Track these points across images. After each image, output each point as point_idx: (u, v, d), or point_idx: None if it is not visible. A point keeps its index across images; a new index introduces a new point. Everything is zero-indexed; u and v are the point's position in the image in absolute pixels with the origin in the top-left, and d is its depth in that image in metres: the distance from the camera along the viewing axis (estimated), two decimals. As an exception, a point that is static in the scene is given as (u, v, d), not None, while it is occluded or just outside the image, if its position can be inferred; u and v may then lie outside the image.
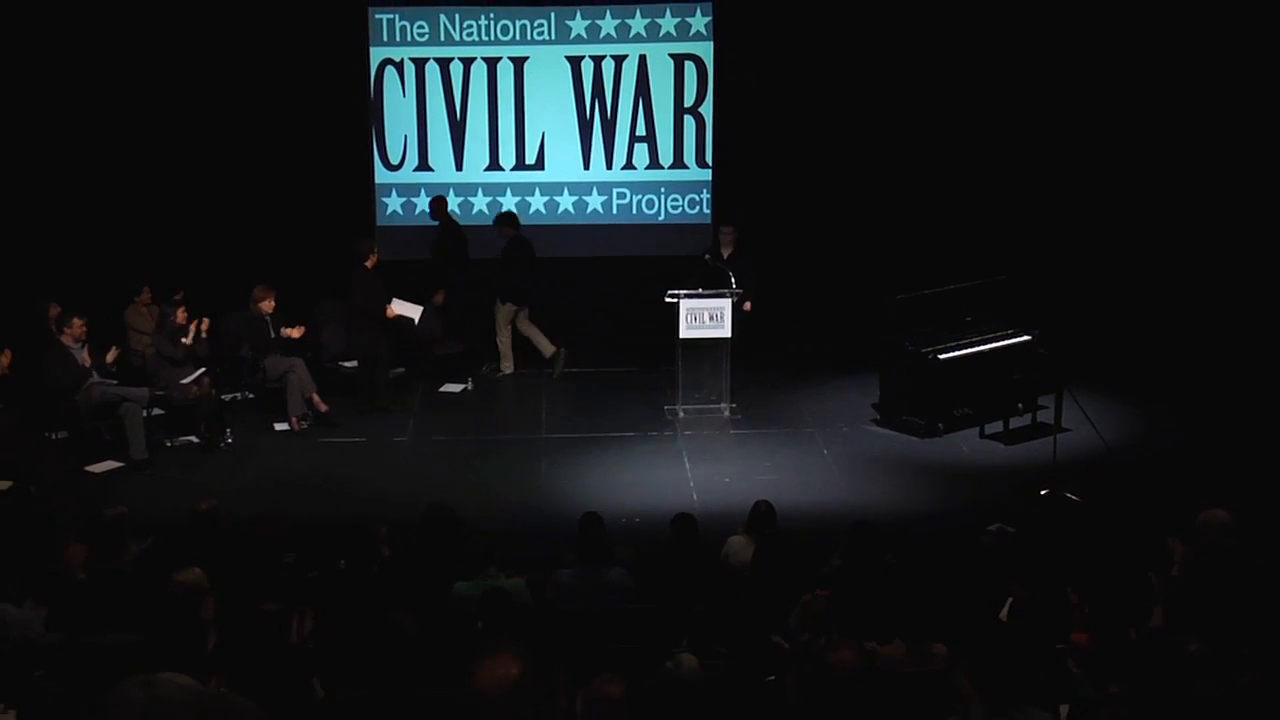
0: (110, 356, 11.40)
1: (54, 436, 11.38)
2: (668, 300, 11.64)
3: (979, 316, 11.75)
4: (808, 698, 4.91)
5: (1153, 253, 13.02)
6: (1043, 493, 9.88)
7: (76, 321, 11.10)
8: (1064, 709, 5.34)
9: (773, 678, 5.90)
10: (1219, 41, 12.76)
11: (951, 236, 13.40)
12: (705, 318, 11.64)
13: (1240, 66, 12.77)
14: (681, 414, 11.94)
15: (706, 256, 12.50)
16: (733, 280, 11.92)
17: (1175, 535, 6.96)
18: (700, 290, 11.79)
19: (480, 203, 14.21)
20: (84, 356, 11.18)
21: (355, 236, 12.67)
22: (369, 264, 12.23)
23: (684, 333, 11.68)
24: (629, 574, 7.47)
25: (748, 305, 12.30)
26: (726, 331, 11.69)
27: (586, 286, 14.10)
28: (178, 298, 11.83)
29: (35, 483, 10.51)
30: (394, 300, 12.44)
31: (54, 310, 11.47)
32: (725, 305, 11.64)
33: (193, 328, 11.62)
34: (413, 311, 12.69)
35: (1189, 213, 12.68)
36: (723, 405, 11.96)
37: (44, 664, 6.04)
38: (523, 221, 13.80)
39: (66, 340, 11.10)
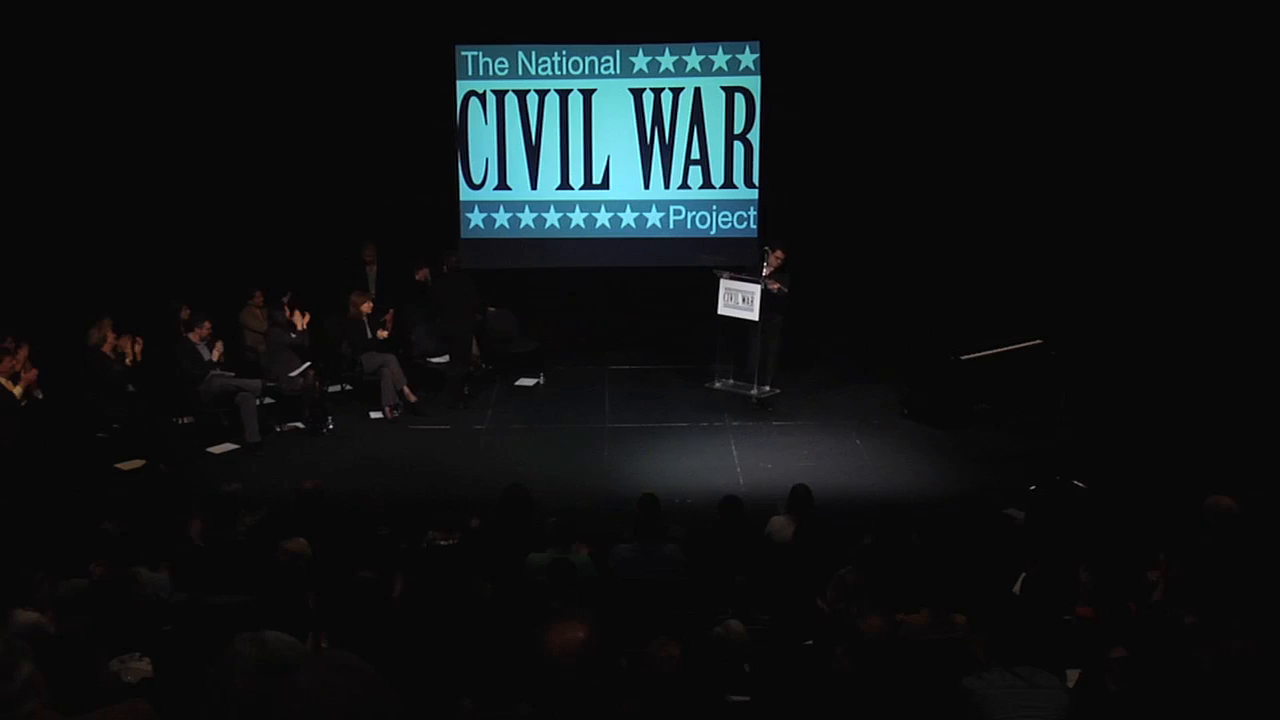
0: (216, 353, 11.57)
1: (180, 421, 11.57)
2: (714, 270, 11.72)
3: (997, 322, 11.64)
4: (856, 664, 4.88)
5: (1155, 258, 12.79)
6: (1058, 479, 9.77)
7: (206, 323, 11.32)
8: (1071, 673, 5.29)
9: (810, 642, 5.88)
10: (1220, 53, 12.54)
11: (971, 247, 13.28)
12: (739, 299, 11.61)
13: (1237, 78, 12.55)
14: (718, 385, 11.96)
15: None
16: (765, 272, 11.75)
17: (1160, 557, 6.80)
18: (740, 273, 11.79)
19: (552, 218, 14.24)
20: (208, 352, 11.36)
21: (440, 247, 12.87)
22: (457, 265, 12.41)
23: (720, 309, 11.72)
24: (682, 549, 7.46)
25: (775, 285, 11.74)
26: (754, 315, 11.57)
27: (645, 293, 14.13)
28: (286, 300, 12.12)
29: (164, 461, 10.68)
30: None
31: (185, 312, 11.64)
32: (755, 290, 11.54)
33: (298, 319, 11.82)
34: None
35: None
36: (752, 388, 11.86)
37: (172, 620, 6.12)
38: (589, 235, 13.93)
39: (194, 338, 11.27)
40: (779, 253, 11.92)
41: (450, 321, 12.34)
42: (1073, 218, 13.23)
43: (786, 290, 11.68)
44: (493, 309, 13.29)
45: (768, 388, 11.90)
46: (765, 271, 11.84)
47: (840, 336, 13.46)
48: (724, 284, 11.70)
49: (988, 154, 13.34)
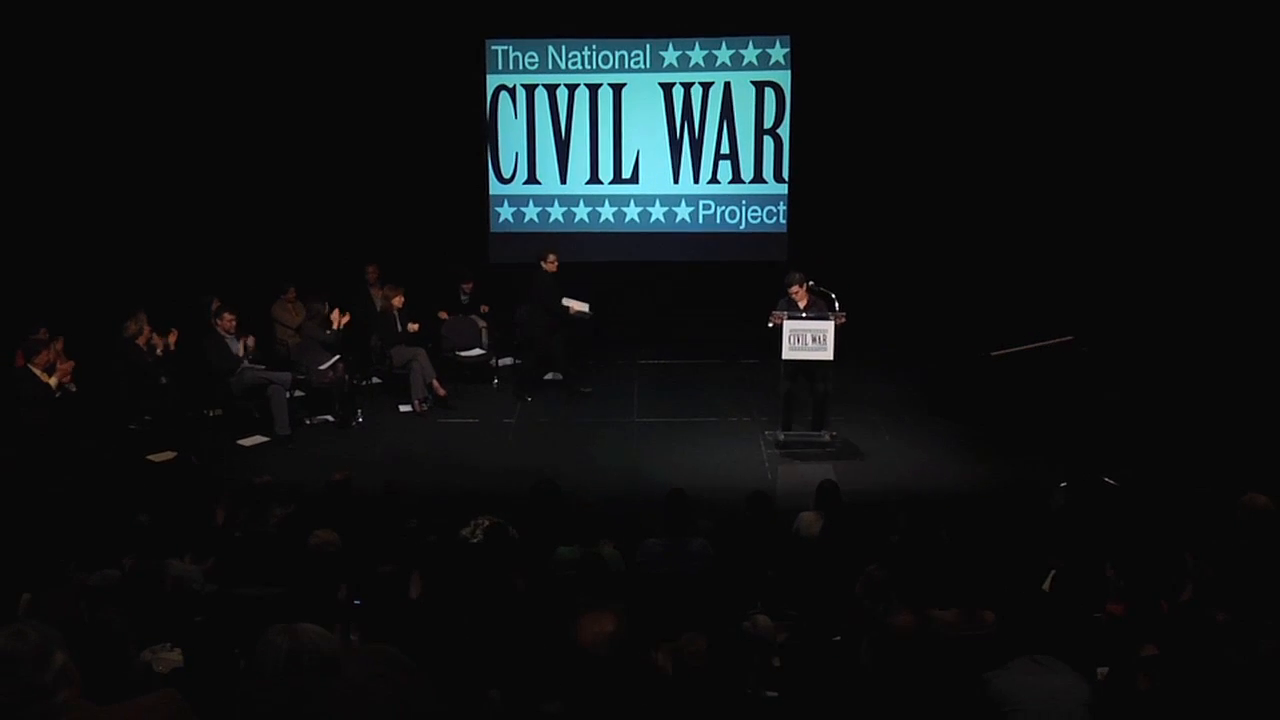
0: (249, 344, 11.63)
1: (211, 414, 11.64)
2: (770, 325, 10.43)
3: (1028, 318, 11.57)
4: (878, 659, 4.87)
5: (1188, 255, 12.68)
6: (1085, 477, 9.70)
7: (227, 316, 11.41)
8: (1101, 671, 5.25)
9: (838, 637, 5.86)
10: (1259, 52, 12.42)
11: (1002, 242, 13.20)
12: (808, 339, 10.35)
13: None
14: (782, 437, 10.92)
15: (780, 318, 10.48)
16: (835, 303, 10.56)
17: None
18: (804, 314, 10.46)
19: (581, 212, 14.26)
20: (237, 345, 11.43)
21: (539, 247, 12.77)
22: (549, 267, 12.27)
23: (786, 354, 10.46)
24: (710, 544, 7.45)
25: (841, 318, 10.53)
26: (829, 353, 10.37)
27: (674, 287, 14.13)
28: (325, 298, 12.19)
29: (195, 453, 10.75)
30: (565, 298, 12.55)
31: (215, 304, 11.71)
32: (828, 328, 10.35)
33: (335, 318, 11.87)
34: (583, 306, 12.80)
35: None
36: (822, 433, 10.86)
37: (203, 611, 6.15)
38: (619, 230, 13.95)
39: (220, 331, 11.33)
40: (798, 288, 10.57)
41: (537, 320, 12.33)
42: (1105, 214, 13.13)
43: (845, 319, 10.50)
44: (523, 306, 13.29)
45: (824, 431, 10.95)
46: (803, 304, 10.57)
47: (870, 332, 13.38)
48: (789, 326, 10.35)
49: (1018, 150, 13.26)
